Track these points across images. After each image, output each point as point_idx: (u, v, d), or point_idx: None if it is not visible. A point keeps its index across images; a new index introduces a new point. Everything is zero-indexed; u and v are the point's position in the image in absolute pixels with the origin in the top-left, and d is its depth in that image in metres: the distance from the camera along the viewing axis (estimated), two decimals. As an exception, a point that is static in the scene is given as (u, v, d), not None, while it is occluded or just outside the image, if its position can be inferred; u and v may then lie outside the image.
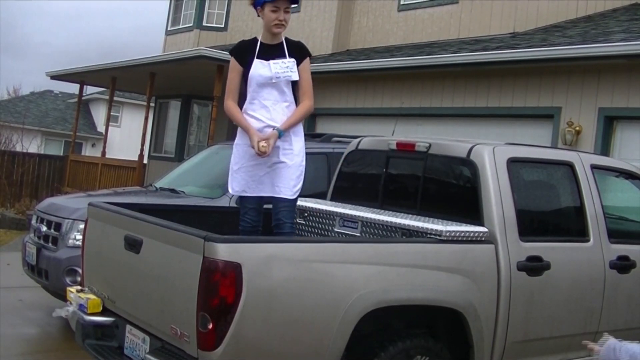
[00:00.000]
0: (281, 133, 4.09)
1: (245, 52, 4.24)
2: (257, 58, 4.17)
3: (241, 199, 4.29)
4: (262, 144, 4.00)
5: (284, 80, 4.15)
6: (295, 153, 4.20)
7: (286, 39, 4.27)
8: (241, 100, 4.29)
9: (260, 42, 4.24)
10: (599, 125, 8.12)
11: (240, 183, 4.22)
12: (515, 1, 10.77)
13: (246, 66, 4.20)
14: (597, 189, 4.58)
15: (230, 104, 4.27)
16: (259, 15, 4.24)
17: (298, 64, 4.19)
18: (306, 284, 3.27)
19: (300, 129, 4.28)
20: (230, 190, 4.32)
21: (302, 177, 4.24)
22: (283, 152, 4.16)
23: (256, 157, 4.12)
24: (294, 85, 4.22)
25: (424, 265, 3.66)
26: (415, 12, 12.26)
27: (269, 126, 4.13)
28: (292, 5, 4.20)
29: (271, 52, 4.19)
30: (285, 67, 4.14)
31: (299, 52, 4.24)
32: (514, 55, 8.75)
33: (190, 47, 14.90)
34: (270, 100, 4.16)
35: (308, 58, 4.28)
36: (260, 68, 4.15)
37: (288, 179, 4.15)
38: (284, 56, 4.18)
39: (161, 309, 3.41)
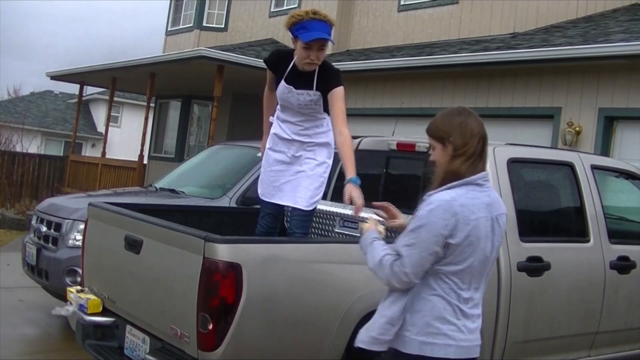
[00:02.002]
0: (353, 179, 3.53)
1: (277, 66, 4.02)
2: (285, 80, 3.94)
3: (261, 203, 4.22)
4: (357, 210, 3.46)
5: (307, 109, 3.99)
6: (317, 163, 4.04)
7: (322, 65, 3.89)
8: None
9: (293, 64, 3.92)
10: (599, 126, 8.12)
11: (261, 187, 4.17)
12: (515, 1, 10.76)
13: (277, 77, 4.01)
14: (597, 189, 4.58)
15: (265, 94, 4.24)
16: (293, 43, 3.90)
17: (325, 93, 3.88)
18: (306, 285, 3.26)
19: (327, 140, 4.07)
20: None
21: (322, 188, 4.07)
22: (305, 161, 4.04)
23: (279, 164, 4.07)
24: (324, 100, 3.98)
25: (424, 265, 3.65)
26: (416, 12, 12.25)
27: (289, 140, 4.04)
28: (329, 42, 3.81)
29: (300, 78, 3.91)
30: (309, 100, 3.94)
31: (326, 83, 3.87)
32: (515, 56, 8.74)
33: (190, 48, 14.90)
34: (297, 118, 4.04)
35: (339, 87, 3.85)
36: (285, 92, 3.96)
37: (306, 189, 4.00)
38: (310, 87, 3.90)
39: (161, 309, 3.41)
